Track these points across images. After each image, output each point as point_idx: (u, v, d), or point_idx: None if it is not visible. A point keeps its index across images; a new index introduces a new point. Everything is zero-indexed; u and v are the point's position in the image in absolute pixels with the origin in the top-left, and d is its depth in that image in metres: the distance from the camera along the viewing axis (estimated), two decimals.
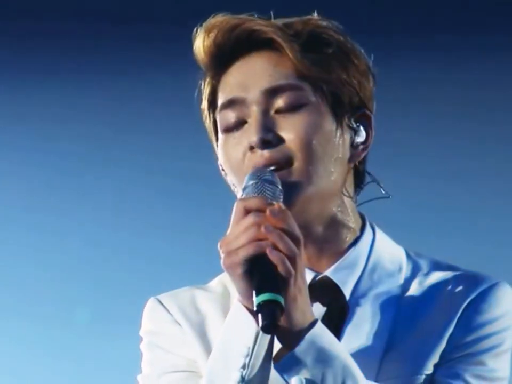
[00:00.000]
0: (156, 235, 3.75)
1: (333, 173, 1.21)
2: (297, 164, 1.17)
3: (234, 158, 1.20)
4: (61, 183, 3.81)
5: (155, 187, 3.77)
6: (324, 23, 1.25)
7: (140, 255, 3.78)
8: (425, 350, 1.18)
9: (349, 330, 1.20)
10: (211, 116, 1.27)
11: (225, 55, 1.23)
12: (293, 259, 1.04)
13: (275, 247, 1.03)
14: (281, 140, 1.18)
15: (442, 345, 1.18)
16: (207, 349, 1.20)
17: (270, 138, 1.16)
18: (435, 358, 1.17)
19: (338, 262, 1.24)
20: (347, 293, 1.22)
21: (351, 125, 1.23)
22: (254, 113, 1.19)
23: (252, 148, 1.17)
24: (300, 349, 1.04)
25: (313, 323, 1.07)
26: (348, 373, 1.05)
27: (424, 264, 1.29)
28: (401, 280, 1.25)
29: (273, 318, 0.99)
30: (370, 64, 1.27)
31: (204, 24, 1.22)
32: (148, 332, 1.30)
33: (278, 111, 1.18)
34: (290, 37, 1.19)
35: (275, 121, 1.19)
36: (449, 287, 1.23)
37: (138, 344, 1.33)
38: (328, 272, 1.23)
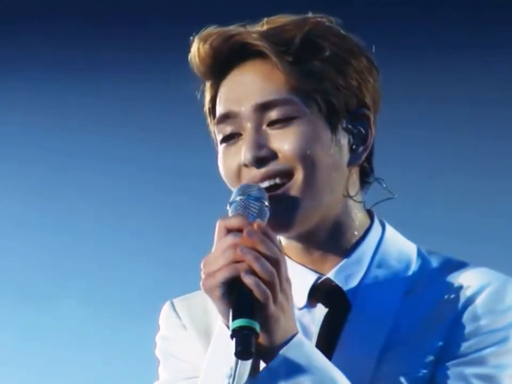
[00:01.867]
0: (153, 234, 3.76)
1: (333, 179, 1.20)
2: (296, 176, 1.17)
3: (231, 171, 1.21)
4: (54, 180, 3.81)
5: (155, 184, 3.77)
6: (320, 24, 1.24)
7: (136, 255, 3.79)
8: (427, 348, 1.16)
9: (349, 330, 1.19)
10: (212, 122, 1.27)
11: (220, 65, 1.22)
12: (269, 281, 1.03)
13: (251, 270, 1.02)
14: (275, 154, 1.17)
15: (445, 343, 1.16)
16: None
17: (263, 155, 1.16)
18: (436, 357, 1.16)
19: (340, 264, 1.23)
20: (349, 294, 1.22)
21: (348, 128, 1.22)
22: (247, 128, 1.19)
23: (246, 165, 1.17)
24: (273, 364, 1.04)
25: (291, 337, 1.06)
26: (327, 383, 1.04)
27: (434, 261, 1.27)
28: (408, 278, 1.24)
29: (246, 345, 0.98)
30: (373, 58, 1.25)
31: (198, 35, 1.22)
32: (160, 338, 1.30)
33: (270, 125, 1.18)
34: (281, 48, 1.17)
35: (268, 135, 1.18)
36: (457, 284, 1.22)
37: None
38: (330, 274, 1.23)
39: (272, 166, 1.18)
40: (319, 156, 1.19)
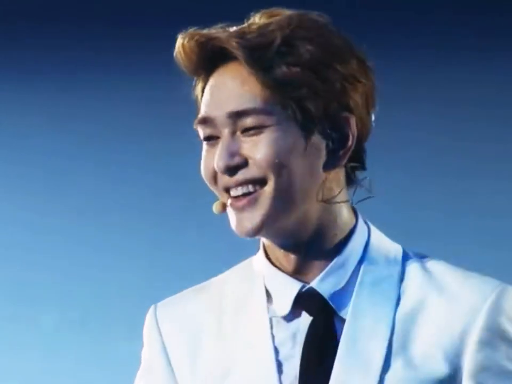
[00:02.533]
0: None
1: (307, 185, 1.21)
2: (268, 183, 1.19)
3: (208, 173, 1.22)
4: (42, 180, 3.81)
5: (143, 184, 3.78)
6: (305, 23, 1.23)
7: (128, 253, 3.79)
8: (433, 356, 1.18)
9: (343, 340, 1.20)
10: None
11: (205, 63, 1.24)
12: None
13: None
14: (247, 162, 1.19)
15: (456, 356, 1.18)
16: (194, 369, 1.24)
17: (235, 163, 1.19)
18: (446, 362, 1.18)
19: (324, 271, 1.24)
20: (334, 301, 1.22)
21: (326, 132, 1.22)
22: (222, 135, 1.21)
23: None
24: None
25: None
26: None
27: (422, 264, 1.28)
28: (398, 283, 1.26)
29: None
30: (365, 58, 1.26)
31: (182, 34, 1.23)
32: (143, 361, 1.32)
33: (244, 131, 1.19)
34: (257, 54, 1.18)
35: (241, 142, 1.20)
36: (455, 290, 1.23)
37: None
38: (313, 283, 1.23)
39: (244, 174, 1.20)
40: (291, 163, 1.21)
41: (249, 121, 1.19)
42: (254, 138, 1.20)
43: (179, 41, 1.23)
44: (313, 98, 1.21)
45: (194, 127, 1.29)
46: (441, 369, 1.19)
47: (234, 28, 1.25)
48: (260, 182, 1.20)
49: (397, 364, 1.19)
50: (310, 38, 1.22)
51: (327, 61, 1.21)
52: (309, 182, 1.23)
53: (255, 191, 1.20)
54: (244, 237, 1.22)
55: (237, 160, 1.20)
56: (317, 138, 1.24)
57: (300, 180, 1.21)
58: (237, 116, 1.20)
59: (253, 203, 1.19)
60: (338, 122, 1.23)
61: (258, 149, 1.20)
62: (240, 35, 1.22)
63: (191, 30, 1.23)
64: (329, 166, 1.25)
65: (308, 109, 1.21)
